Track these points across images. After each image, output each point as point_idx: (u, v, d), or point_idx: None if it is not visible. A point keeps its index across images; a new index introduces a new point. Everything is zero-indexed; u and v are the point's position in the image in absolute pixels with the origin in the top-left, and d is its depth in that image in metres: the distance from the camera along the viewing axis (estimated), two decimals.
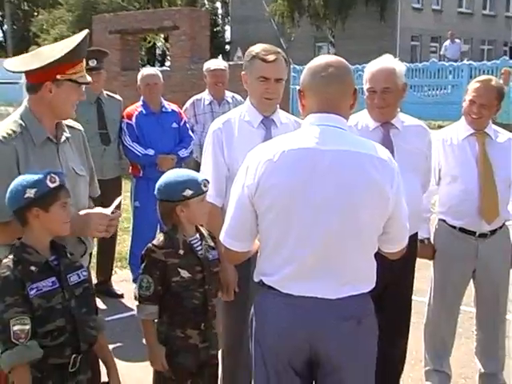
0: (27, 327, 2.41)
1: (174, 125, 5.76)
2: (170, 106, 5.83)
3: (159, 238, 3.02)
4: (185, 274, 2.93)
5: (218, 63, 6.17)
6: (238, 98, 6.33)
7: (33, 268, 2.49)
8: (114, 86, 9.60)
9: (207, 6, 43.91)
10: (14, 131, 2.69)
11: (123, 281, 6.08)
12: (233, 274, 3.22)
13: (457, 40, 22.49)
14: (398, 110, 3.45)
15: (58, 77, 2.66)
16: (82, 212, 2.76)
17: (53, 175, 2.53)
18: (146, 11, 17.14)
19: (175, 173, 3.02)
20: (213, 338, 3.06)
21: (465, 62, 20.31)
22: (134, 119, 5.66)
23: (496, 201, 3.71)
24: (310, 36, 33.46)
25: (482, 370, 4.00)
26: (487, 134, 3.78)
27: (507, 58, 20.88)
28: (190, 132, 5.91)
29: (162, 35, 26.95)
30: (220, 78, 6.10)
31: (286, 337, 2.32)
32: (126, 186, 6.05)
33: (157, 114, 5.72)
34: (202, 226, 3.11)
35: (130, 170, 5.84)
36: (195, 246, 3.01)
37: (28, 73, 2.69)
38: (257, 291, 2.49)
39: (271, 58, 3.17)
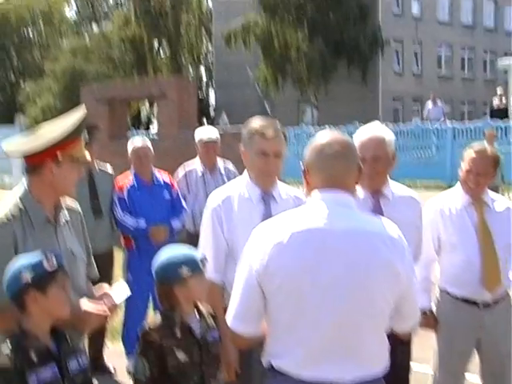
0: None
1: (167, 196, 5.73)
2: (161, 177, 5.81)
3: (156, 318, 2.95)
4: (182, 356, 2.85)
5: (210, 134, 6.14)
6: (230, 166, 6.33)
7: (33, 356, 2.40)
8: (103, 155, 9.59)
9: (191, 72, 44.64)
10: (12, 214, 2.64)
11: (116, 355, 5.92)
12: (234, 353, 3.14)
13: (439, 103, 22.92)
14: (388, 178, 3.45)
15: (59, 155, 2.64)
16: (82, 305, 2.69)
17: (50, 256, 2.47)
18: (133, 80, 17.33)
19: (171, 251, 2.96)
20: None
21: (448, 124, 20.65)
22: (125, 192, 5.63)
23: (498, 270, 3.69)
24: (293, 99, 33.99)
25: None
26: (485, 202, 3.79)
27: (488, 119, 21.24)
28: (183, 202, 5.88)
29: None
30: (212, 148, 6.09)
31: None
32: (119, 257, 5.97)
33: (149, 185, 5.70)
34: (201, 303, 3.05)
35: (122, 243, 5.77)
36: (193, 326, 2.93)
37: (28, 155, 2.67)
38: (263, 373, 2.40)
39: (271, 133, 3.17)
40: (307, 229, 2.24)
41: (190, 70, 46.08)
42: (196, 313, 2.99)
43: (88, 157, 2.79)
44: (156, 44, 42.68)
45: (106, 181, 5.67)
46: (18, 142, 2.78)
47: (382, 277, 2.23)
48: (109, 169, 5.87)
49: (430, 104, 23.04)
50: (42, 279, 2.44)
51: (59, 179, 2.68)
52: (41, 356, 2.42)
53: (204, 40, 45.30)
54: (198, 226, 5.93)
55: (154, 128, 42.80)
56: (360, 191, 3.38)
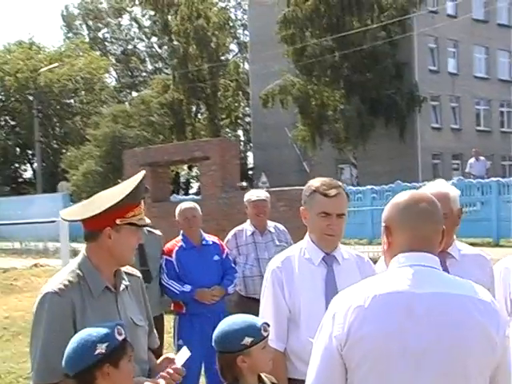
0: None
1: (216, 257, 5.65)
2: (210, 239, 5.74)
3: None
4: None
5: (259, 194, 6.09)
6: (281, 227, 6.22)
7: None
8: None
9: (230, 135, 45.18)
10: (71, 282, 2.54)
11: None
12: None
13: (481, 157, 22.60)
14: (455, 237, 3.27)
15: (118, 221, 2.55)
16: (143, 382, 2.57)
17: (119, 327, 2.36)
18: (176, 144, 17.46)
19: (231, 320, 2.82)
20: None
21: (492, 178, 20.29)
22: (174, 255, 5.57)
23: None
24: (331, 158, 33.93)
25: None
26: None
27: None
28: (233, 264, 5.78)
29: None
30: (261, 208, 6.00)
31: None
32: (169, 322, 5.85)
33: (197, 247, 5.62)
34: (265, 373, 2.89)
35: (172, 307, 5.66)
36: None
37: (86, 220, 2.58)
38: None
39: (333, 192, 3.05)
40: (390, 292, 2.07)
41: (228, 132, 46.72)
42: None
43: (148, 220, 2.70)
44: (194, 108, 43.45)
45: (155, 244, 5.61)
46: (77, 207, 2.72)
47: (476, 343, 2.05)
48: (157, 231, 5.81)
49: (472, 159, 22.75)
50: (116, 351, 2.33)
51: (117, 245, 2.58)
52: None
53: (241, 102, 46.01)
54: (249, 289, 5.90)
55: (193, 190, 43.25)
56: None
